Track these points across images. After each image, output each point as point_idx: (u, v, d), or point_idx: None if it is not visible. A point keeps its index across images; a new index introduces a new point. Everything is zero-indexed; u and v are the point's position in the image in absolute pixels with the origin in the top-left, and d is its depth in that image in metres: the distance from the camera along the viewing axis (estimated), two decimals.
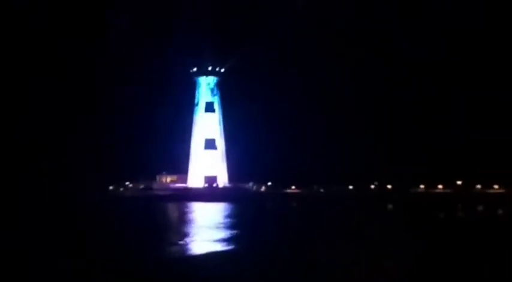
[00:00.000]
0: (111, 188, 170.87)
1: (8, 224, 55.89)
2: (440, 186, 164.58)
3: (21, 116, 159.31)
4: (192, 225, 57.13)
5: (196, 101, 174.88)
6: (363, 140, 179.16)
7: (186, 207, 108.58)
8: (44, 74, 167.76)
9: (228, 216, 75.68)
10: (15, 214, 74.30)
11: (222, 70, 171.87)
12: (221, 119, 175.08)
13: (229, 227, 53.41)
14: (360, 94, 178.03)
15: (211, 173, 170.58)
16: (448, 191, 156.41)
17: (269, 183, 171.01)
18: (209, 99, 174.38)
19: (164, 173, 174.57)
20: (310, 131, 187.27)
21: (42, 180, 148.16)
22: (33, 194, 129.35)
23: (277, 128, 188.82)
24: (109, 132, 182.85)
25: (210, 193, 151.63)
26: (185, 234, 44.50)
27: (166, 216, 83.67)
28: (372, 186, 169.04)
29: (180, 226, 55.86)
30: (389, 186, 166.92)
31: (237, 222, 62.95)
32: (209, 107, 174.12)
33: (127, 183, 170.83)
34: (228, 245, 36.74)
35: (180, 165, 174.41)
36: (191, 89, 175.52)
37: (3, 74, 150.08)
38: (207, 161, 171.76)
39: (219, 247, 35.17)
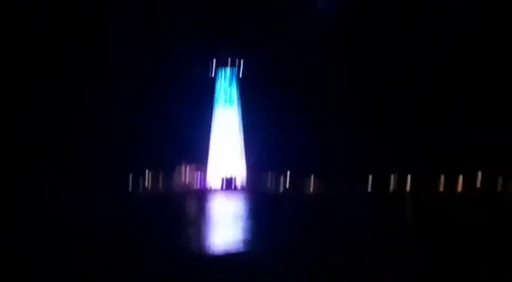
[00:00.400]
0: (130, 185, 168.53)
1: (11, 223, 51.93)
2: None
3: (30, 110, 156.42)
4: (208, 224, 52.56)
5: (215, 95, 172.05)
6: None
7: (204, 207, 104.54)
8: (48, 67, 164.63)
9: (246, 216, 70.59)
10: (17, 214, 69.98)
11: (242, 62, 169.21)
12: (240, 114, 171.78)
13: (246, 227, 48.72)
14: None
15: (229, 172, 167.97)
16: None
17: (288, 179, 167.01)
18: (228, 92, 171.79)
19: (182, 168, 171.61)
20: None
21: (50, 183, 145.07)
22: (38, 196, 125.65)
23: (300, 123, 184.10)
24: (122, 131, 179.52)
25: (227, 192, 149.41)
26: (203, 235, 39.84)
27: (183, 216, 78.87)
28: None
29: (198, 226, 51.57)
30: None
31: (254, 223, 58.05)
32: (228, 100, 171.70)
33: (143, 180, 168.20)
34: (244, 246, 32.45)
35: (198, 162, 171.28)
36: (210, 81, 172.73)
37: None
38: (225, 158, 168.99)
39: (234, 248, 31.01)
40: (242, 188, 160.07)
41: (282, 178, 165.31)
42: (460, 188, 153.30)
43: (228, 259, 28.55)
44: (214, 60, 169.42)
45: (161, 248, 33.80)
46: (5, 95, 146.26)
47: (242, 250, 31.75)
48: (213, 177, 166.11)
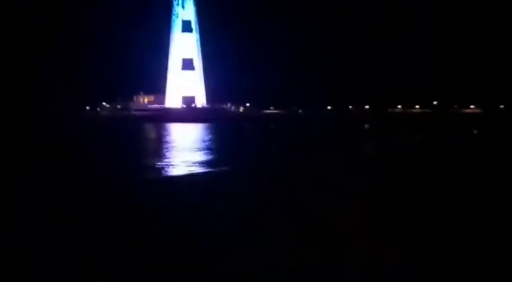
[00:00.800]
0: (87, 108, 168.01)
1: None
2: (417, 107, 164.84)
3: None
4: (170, 147, 55.35)
5: (172, 20, 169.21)
6: (340, 60, 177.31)
7: (164, 128, 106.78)
8: None
9: (207, 138, 74.02)
10: None
11: None
12: (199, 39, 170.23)
13: (208, 149, 51.83)
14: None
15: (189, 94, 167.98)
16: (425, 111, 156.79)
17: (247, 104, 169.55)
18: (186, 17, 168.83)
19: (141, 93, 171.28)
20: (290, 49, 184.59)
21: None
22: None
23: (256, 48, 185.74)
24: (84, 51, 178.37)
25: (188, 114, 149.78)
26: (163, 157, 42.76)
27: (144, 137, 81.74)
28: (350, 107, 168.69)
29: (158, 148, 54.14)
30: (367, 107, 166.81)
31: (215, 144, 61.38)
32: (186, 26, 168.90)
33: (104, 103, 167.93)
34: (207, 167, 35.25)
35: (157, 85, 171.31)
36: (168, 6, 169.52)
37: None
38: (184, 81, 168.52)
39: (198, 169, 33.61)
40: (201, 109, 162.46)
41: (241, 100, 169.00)
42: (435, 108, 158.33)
43: (187, 178, 28.53)
44: None
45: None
46: None
47: (204, 170, 34.00)
48: (173, 100, 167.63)
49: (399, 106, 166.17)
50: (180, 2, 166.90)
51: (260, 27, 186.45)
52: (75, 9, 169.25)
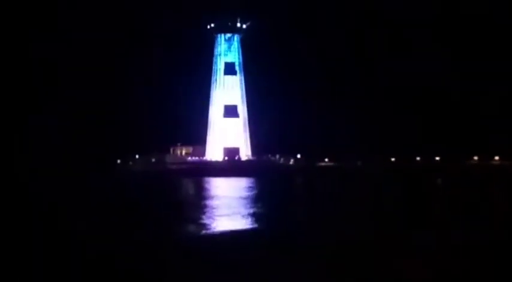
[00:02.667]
0: (118, 162, 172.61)
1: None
2: (497, 158, 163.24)
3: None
4: (211, 202, 57.59)
5: (214, 62, 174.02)
6: (406, 106, 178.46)
7: (204, 182, 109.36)
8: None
9: (252, 193, 75.96)
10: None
11: (244, 26, 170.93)
12: (243, 83, 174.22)
13: (253, 204, 53.75)
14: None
15: (232, 144, 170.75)
16: (507, 163, 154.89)
17: (298, 156, 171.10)
18: (229, 59, 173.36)
19: (179, 144, 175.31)
20: (345, 96, 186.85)
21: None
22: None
23: (307, 93, 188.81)
24: (117, 100, 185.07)
25: (231, 167, 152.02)
26: (203, 212, 44.92)
27: (181, 192, 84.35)
28: (418, 158, 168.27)
29: (197, 203, 56.38)
30: (437, 158, 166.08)
31: (261, 199, 63.22)
32: (229, 69, 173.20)
33: (137, 156, 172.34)
34: (251, 223, 37.17)
35: (197, 135, 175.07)
36: (209, 48, 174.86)
37: None
38: (227, 130, 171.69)
39: (241, 226, 35.59)
40: (246, 162, 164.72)
41: (291, 151, 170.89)
42: None
43: (229, 236, 30.72)
44: (213, 24, 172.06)
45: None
46: None
47: (247, 227, 35.54)
48: (214, 151, 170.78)
49: (475, 157, 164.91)
50: (223, 41, 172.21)
51: (314, 69, 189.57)
52: (105, 54, 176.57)
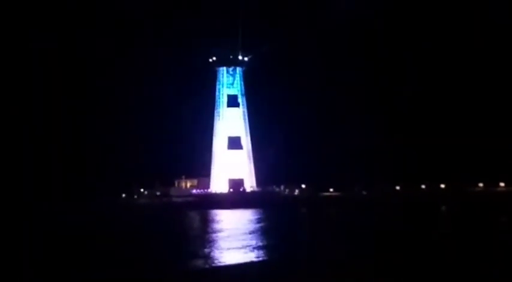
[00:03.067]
0: (123, 196, 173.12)
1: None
2: (502, 184, 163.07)
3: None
4: (216, 235, 57.97)
5: (217, 95, 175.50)
6: (409, 135, 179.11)
7: (209, 215, 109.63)
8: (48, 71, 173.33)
9: (257, 224, 76.26)
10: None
11: (246, 59, 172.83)
12: (246, 114, 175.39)
13: (259, 236, 54.13)
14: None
15: (236, 176, 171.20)
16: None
17: (303, 186, 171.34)
18: (232, 92, 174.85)
19: (183, 177, 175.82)
20: (347, 125, 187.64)
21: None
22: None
23: (310, 124, 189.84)
24: (119, 133, 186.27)
25: (236, 199, 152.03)
26: (209, 245, 45.33)
27: (187, 225, 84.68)
28: (423, 186, 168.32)
29: (203, 236, 56.76)
30: (442, 186, 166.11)
31: (267, 231, 63.58)
32: (232, 101, 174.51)
33: (141, 190, 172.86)
34: (258, 256, 37.56)
35: (201, 167, 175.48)
36: (211, 81, 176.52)
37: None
38: (231, 162, 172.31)
39: (248, 258, 35.98)
40: (251, 193, 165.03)
41: (296, 182, 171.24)
42: None
43: (237, 268, 31.71)
44: (215, 58, 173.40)
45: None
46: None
47: (254, 259, 36.06)
48: (218, 183, 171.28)
49: (480, 184, 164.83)
50: (225, 74, 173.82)
51: (316, 100, 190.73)
52: (105, 88, 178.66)
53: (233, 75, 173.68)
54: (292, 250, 41.41)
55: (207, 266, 32.03)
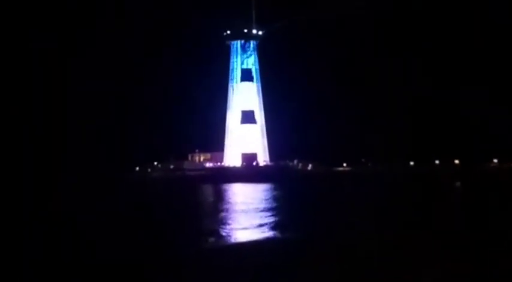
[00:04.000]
0: (137, 169, 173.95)
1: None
2: None
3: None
4: (230, 210, 58.12)
5: (231, 69, 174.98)
6: (421, 111, 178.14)
7: (223, 189, 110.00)
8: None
9: (271, 199, 76.38)
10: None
11: (260, 33, 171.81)
12: (260, 89, 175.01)
13: (272, 212, 54.16)
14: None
15: (250, 150, 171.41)
16: None
17: (316, 161, 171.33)
18: (246, 66, 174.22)
19: (197, 151, 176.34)
20: (362, 102, 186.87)
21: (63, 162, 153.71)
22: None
23: (324, 99, 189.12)
24: (134, 108, 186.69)
25: (249, 173, 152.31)
26: (223, 221, 45.42)
27: (200, 199, 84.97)
28: (437, 162, 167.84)
29: (217, 211, 56.91)
30: (456, 162, 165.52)
31: (281, 206, 63.66)
32: (246, 75, 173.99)
33: (155, 163, 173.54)
34: (271, 232, 37.59)
35: (214, 142, 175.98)
36: (225, 55, 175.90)
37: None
38: (245, 136, 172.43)
39: (261, 235, 36.01)
40: (264, 167, 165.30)
41: (309, 157, 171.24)
42: None
43: (250, 246, 31.49)
44: (229, 31, 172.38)
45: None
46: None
47: (267, 235, 36.23)
48: (232, 157, 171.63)
49: (495, 160, 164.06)
50: (239, 48, 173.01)
51: (330, 73, 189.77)
52: (123, 60, 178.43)
53: (247, 49, 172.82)
54: (305, 228, 41.31)
55: (219, 244, 32.09)
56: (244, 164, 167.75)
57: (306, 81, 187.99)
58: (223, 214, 52.66)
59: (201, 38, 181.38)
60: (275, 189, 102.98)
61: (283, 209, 59.50)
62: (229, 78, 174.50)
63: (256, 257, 27.06)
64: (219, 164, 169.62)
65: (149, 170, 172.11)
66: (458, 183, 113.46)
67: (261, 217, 47.85)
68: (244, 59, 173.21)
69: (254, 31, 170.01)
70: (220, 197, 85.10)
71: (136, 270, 24.24)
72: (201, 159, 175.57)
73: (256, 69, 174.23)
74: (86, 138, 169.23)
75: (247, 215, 50.42)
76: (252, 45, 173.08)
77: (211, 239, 34.05)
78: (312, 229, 39.39)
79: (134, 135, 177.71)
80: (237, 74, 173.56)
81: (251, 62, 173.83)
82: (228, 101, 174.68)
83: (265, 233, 36.89)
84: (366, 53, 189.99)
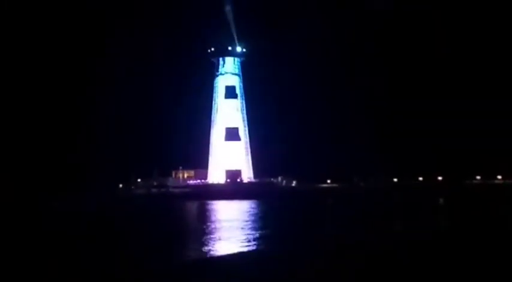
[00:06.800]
0: (120, 186, 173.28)
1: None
2: (499, 177, 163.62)
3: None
4: (213, 226, 58.39)
5: (215, 86, 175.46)
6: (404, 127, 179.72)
7: (206, 206, 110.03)
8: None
9: (254, 216, 76.69)
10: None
11: (244, 50, 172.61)
12: (244, 106, 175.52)
13: (255, 227, 54.52)
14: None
15: (234, 167, 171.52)
16: (509, 182, 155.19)
17: (300, 178, 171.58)
18: (230, 83, 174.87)
19: (180, 168, 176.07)
20: (345, 118, 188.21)
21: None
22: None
23: (308, 116, 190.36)
24: (117, 124, 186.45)
25: (233, 190, 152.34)
26: (206, 236, 45.71)
27: (184, 216, 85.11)
28: (420, 178, 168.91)
29: (200, 227, 57.15)
30: (439, 178, 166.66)
31: (264, 222, 63.99)
32: (230, 92, 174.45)
33: (138, 180, 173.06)
34: (254, 246, 37.96)
35: (198, 158, 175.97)
36: (209, 72, 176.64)
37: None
38: (229, 153, 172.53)
39: (243, 248, 36.37)
40: (248, 184, 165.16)
41: (293, 173, 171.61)
42: None
43: (232, 258, 32.04)
44: (213, 48, 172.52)
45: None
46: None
47: (250, 249, 36.48)
48: (215, 174, 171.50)
49: (478, 177, 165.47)
50: (223, 65, 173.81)
51: (313, 91, 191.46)
52: (103, 80, 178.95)
53: (231, 67, 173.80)
54: (288, 240, 41.78)
55: (202, 257, 32.39)
56: (228, 180, 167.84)
57: (289, 98, 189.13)
58: (204, 230, 52.90)
59: (184, 55, 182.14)
60: (258, 206, 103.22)
61: (263, 224, 59.82)
62: (213, 95, 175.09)
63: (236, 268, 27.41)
64: (202, 181, 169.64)
65: (133, 187, 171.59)
66: (441, 200, 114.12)
67: (242, 232, 48.20)
68: (228, 76, 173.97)
69: (238, 49, 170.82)
70: (202, 214, 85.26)
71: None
72: (185, 176, 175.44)
73: (240, 86, 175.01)
74: (68, 155, 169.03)
75: (227, 231, 50.75)
76: (236, 63, 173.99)
77: (192, 252, 34.38)
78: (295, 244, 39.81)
79: (118, 152, 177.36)
80: (220, 91, 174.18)
81: (235, 79, 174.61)
82: (212, 118, 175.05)
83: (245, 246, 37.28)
84: (347, 71, 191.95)
